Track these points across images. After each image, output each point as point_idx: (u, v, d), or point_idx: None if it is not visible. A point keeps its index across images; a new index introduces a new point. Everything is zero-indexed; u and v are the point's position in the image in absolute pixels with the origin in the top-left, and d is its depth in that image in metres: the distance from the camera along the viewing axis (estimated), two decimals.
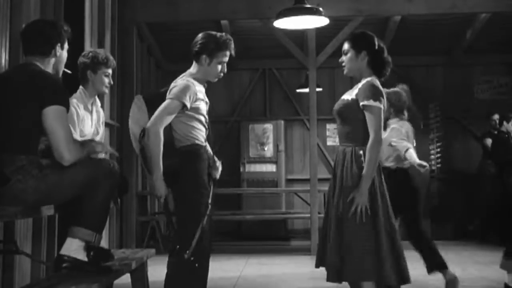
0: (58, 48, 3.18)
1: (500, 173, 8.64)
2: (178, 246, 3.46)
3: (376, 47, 3.55)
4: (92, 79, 3.95)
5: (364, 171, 3.34)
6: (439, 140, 10.02)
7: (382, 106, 3.40)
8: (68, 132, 3.00)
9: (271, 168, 10.25)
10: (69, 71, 3.52)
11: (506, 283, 4.89)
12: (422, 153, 6.26)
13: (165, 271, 3.53)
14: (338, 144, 3.66)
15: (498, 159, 8.65)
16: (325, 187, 4.78)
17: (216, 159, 3.76)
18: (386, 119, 4.77)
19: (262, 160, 10.24)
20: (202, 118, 3.63)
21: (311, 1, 6.37)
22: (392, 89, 4.90)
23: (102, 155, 3.94)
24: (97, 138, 4.03)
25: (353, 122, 3.46)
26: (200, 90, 3.61)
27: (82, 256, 3.01)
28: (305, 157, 10.70)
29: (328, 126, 10.84)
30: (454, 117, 10.65)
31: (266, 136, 10.29)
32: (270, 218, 9.55)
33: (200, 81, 3.65)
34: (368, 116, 3.38)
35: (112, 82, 4.08)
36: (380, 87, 3.49)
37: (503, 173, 8.50)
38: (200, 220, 3.45)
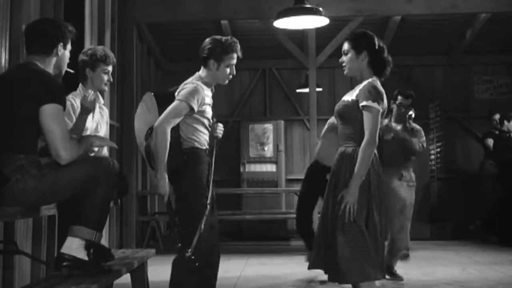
0: (60, 47, 3.16)
1: (502, 173, 8.65)
2: (179, 244, 3.50)
3: (377, 47, 3.54)
4: (91, 77, 3.89)
5: (355, 171, 3.34)
6: (439, 140, 10.02)
7: (381, 109, 3.39)
8: (64, 130, 2.98)
9: (271, 168, 10.25)
10: (71, 71, 3.51)
11: None
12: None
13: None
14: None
15: (500, 158, 8.65)
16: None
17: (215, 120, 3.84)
18: None
19: (262, 160, 10.24)
20: (206, 122, 3.71)
21: (311, 1, 6.38)
22: None
23: (104, 151, 3.93)
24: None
25: (354, 123, 3.45)
26: (207, 94, 3.70)
27: (82, 255, 3.01)
28: (305, 157, 10.69)
29: None
30: (454, 117, 10.65)
31: (266, 136, 10.29)
32: (270, 218, 9.55)
33: (208, 85, 3.74)
34: (365, 116, 3.37)
35: (111, 80, 4.02)
36: (381, 89, 3.48)
37: (504, 173, 8.50)
38: (199, 220, 3.48)
